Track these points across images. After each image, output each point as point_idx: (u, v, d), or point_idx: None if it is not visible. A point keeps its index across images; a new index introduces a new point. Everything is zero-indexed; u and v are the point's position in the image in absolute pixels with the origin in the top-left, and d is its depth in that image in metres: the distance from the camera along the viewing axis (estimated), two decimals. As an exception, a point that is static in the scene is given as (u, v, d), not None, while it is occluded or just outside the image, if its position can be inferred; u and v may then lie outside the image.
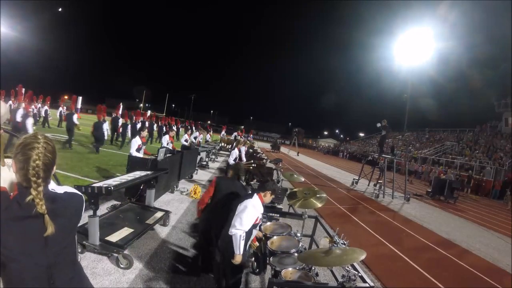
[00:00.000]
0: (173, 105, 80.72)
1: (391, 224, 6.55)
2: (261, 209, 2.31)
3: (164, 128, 16.16)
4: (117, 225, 3.30)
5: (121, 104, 16.64)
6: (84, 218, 3.61)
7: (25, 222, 0.86)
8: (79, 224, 1.09)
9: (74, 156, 7.94)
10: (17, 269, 0.88)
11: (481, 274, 4.29)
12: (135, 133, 9.01)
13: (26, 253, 0.88)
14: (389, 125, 10.87)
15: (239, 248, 2.11)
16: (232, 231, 2.13)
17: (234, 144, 6.65)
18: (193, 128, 18.77)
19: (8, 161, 1.32)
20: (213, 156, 12.14)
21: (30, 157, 0.87)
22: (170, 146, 6.88)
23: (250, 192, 2.48)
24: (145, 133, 5.68)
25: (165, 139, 7.20)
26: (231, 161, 6.11)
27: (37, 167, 0.87)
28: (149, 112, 23.81)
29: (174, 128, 18.27)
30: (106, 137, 9.97)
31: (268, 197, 2.36)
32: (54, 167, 0.99)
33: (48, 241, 0.90)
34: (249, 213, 2.18)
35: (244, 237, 2.15)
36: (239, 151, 6.86)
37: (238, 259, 2.13)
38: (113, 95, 70.99)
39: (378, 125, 10.88)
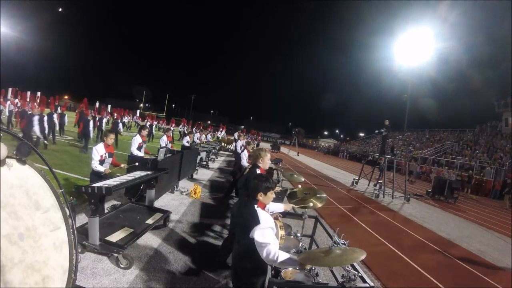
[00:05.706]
0: (173, 105, 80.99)
1: (391, 224, 6.55)
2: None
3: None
4: (117, 225, 3.30)
5: (86, 99, 17.29)
6: (84, 218, 3.63)
7: None
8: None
9: (74, 156, 7.94)
10: None
11: (481, 274, 4.29)
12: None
13: None
14: (389, 125, 10.87)
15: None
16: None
17: (243, 145, 6.53)
18: (193, 129, 18.72)
19: (9, 161, 1.31)
20: (213, 156, 12.16)
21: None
22: (169, 146, 6.77)
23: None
24: (145, 132, 5.62)
25: (163, 140, 6.89)
26: (245, 163, 5.89)
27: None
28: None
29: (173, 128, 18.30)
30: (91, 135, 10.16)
31: (264, 197, 1.94)
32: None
33: None
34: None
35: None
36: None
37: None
38: (113, 95, 71.18)
39: (376, 131, 11.00)
